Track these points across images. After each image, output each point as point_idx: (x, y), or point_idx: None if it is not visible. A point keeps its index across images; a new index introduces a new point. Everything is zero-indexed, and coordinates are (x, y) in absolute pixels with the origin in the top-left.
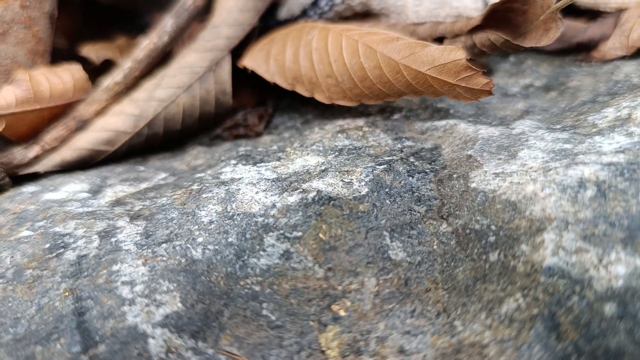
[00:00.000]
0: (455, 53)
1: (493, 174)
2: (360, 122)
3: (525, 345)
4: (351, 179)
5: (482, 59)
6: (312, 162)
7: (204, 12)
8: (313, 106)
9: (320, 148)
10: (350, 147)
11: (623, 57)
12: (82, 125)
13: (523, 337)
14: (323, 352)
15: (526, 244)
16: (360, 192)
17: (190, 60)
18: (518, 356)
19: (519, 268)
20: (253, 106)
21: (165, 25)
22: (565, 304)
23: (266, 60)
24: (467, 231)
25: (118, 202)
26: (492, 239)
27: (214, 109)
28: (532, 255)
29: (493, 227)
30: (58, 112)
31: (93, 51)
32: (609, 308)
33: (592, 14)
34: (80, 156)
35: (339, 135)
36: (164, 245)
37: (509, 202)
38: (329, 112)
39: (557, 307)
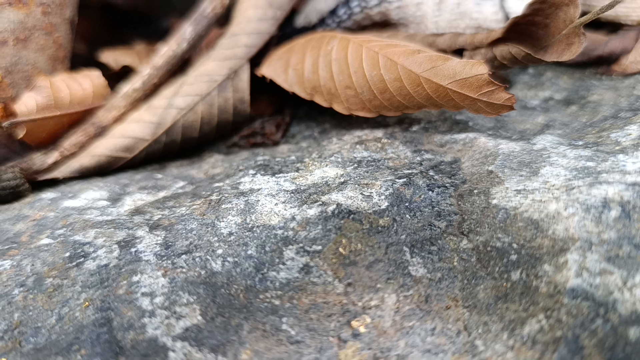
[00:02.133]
0: (477, 67)
1: (515, 190)
2: (379, 133)
3: None
4: (371, 192)
5: (501, 71)
6: (330, 173)
7: (222, 20)
8: (330, 115)
9: (339, 159)
10: (369, 159)
11: None
12: (101, 132)
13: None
14: None
15: (549, 264)
16: (380, 206)
17: (209, 68)
18: None
19: (541, 288)
20: (270, 114)
21: (185, 32)
22: (589, 327)
23: (285, 70)
24: (488, 248)
25: (137, 211)
26: (513, 257)
27: (232, 117)
28: (555, 275)
29: (515, 246)
30: (77, 118)
31: (112, 57)
32: (634, 332)
33: (613, 27)
34: (99, 163)
35: (358, 146)
36: (183, 256)
37: (531, 220)
38: (346, 122)
39: (581, 329)
